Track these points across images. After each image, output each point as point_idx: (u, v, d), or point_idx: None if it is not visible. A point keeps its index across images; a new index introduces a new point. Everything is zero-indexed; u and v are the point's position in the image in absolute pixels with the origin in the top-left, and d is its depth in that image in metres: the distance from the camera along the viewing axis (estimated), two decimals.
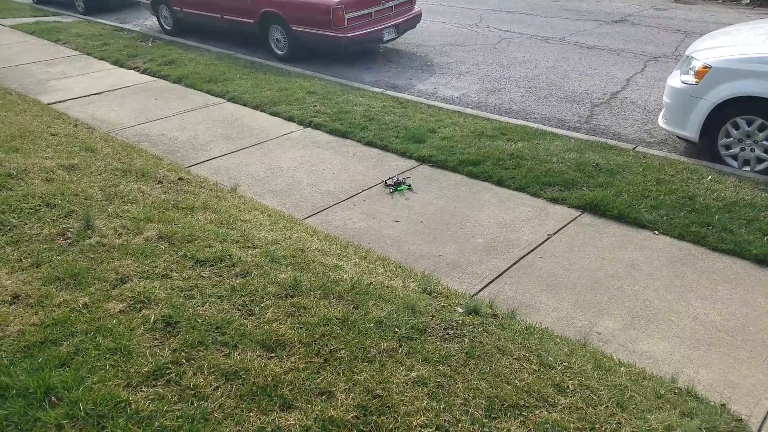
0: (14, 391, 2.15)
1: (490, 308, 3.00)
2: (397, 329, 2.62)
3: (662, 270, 3.53)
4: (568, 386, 2.39)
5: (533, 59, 8.06)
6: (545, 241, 3.86)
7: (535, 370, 2.47)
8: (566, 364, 2.54)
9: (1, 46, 9.63)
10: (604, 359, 2.71)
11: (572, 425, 2.17)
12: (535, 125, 5.71)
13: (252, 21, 8.52)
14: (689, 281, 3.42)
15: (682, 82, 4.78)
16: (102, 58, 8.73)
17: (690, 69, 4.76)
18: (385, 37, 8.14)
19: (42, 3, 13.78)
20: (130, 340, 2.41)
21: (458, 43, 8.99)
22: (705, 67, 4.60)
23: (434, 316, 2.77)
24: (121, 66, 8.35)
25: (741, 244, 3.65)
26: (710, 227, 3.84)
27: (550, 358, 2.56)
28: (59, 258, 2.97)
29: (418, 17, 8.70)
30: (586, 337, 2.95)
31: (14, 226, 3.25)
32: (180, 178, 4.42)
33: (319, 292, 2.85)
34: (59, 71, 8.13)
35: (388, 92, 6.86)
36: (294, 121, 6.07)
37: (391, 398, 2.22)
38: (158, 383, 2.21)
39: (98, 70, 8.19)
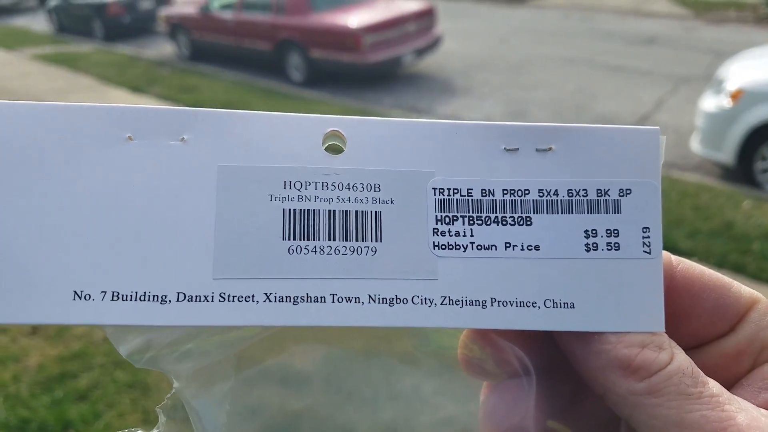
0: (34, 424, 2.13)
1: None
2: (422, 364, 2.52)
3: None
4: None
5: (559, 81, 7.96)
6: None
7: None
8: None
9: (19, 76, 9.81)
10: None
11: None
12: None
13: (270, 47, 8.62)
14: None
15: (716, 105, 4.64)
16: (120, 85, 8.88)
17: (723, 91, 4.62)
18: (406, 60, 8.15)
19: (62, 32, 14.11)
20: (148, 373, 2.35)
21: (481, 64, 8.96)
22: (739, 90, 4.46)
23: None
24: (139, 92, 8.49)
25: None
26: (749, 255, 3.68)
27: None
28: None
29: (438, 40, 8.71)
30: None
31: None
32: None
33: None
34: (77, 99, 8.29)
35: (409, 114, 6.83)
36: None
37: None
38: None
39: (116, 97, 8.33)
